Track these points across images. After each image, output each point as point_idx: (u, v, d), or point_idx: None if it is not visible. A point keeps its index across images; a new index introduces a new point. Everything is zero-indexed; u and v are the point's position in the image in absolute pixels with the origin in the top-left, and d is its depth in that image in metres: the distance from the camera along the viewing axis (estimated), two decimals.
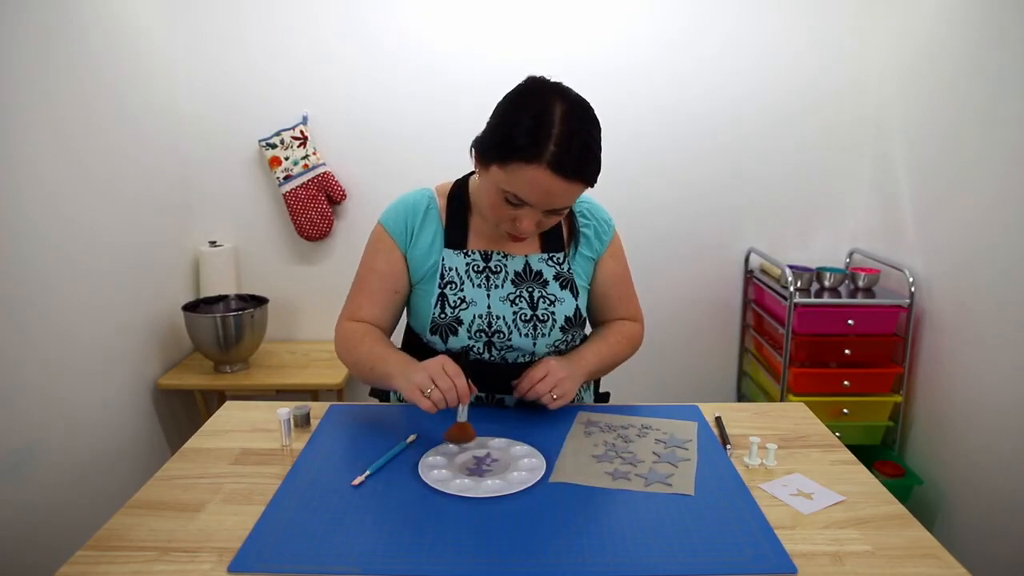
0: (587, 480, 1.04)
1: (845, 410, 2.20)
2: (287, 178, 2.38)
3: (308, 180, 2.39)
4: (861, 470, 1.11)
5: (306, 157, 2.38)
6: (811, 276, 2.30)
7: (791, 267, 2.27)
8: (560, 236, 1.30)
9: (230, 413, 1.30)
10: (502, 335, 1.23)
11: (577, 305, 1.27)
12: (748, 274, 2.58)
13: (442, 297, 1.23)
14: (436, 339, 1.24)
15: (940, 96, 2.10)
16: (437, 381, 1.07)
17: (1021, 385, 1.75)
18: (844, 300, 2.22)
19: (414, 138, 2.42)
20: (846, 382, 2.19)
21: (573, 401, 1.26)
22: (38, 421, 1.67)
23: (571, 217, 1.31)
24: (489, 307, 1.23)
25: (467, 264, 1.25)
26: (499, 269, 1.26)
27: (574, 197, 1.10)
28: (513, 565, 0.84)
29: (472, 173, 1.30)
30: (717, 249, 2.57)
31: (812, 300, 2.22)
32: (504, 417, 1.24)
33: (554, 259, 1.28)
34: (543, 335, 1.25)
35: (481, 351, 1.24)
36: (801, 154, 2.48)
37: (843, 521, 0.96)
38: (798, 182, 2.50)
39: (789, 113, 2.44)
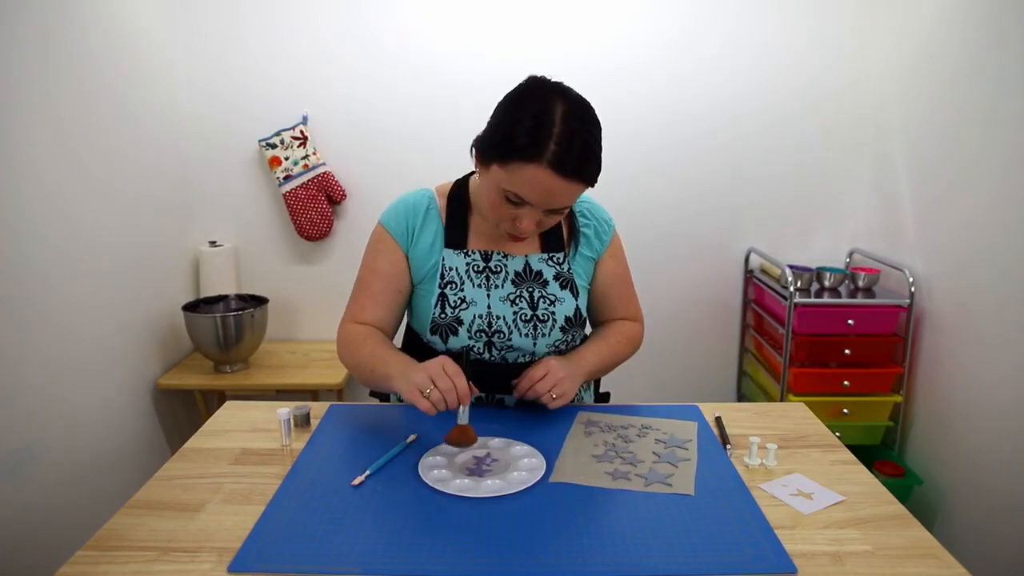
0: (587, 480, 1.04)
1: (845, 410, 2.20)
2: (287, 178, 2.38)
3: (308, 180, 2.39)
4: (861, 470, 1.11)
5: (306, 157, 2.38)
6: (811, 276, 2.30)
7: (791, 267, 2.27)
8: (560, 236, 1.30)
9: (230, 413, 1.29)
10: (502, 335, 1.23)
11: (577, 305, 1.27)
12: (748, 274, 2.58)
13: (442, 297, 1.23)
14: (436, 339, 1.24)
15: (940, 96, 2.10)
16: (437, 382, 1.05)
17: (1021, 385, 1.75)
18: (844, 300, 2.22)
19: (414, 138, 2.42)
20: (846, 382, 2.19)
21: (573, 401, 1.26)
22: (38, 421, 1.67)
23: (571, 217, 1.31)
24: (489, 307, 1.23)
25: (467, 264, 1.25)
26: (499, 269, 1.26)
27: (574, 197, 1.10)
28: (513, 565, 0.84)
29: (472, 173, 1.30)
30: (717, 249, 2.57)
31: (812, 300, 2.22)
32: (504, 417, 1.24)
33: (554, 259, 1.28)
34: (543, 335, 1.25)
35: (481, 351, 1.24)
36: (801, 154, 2.48)
37: (843, 521, 0.96)
38: (798, 182, 2.51)
39: (789, 113, 2.44)
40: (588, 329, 1.41)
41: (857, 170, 2.49)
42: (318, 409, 1.29)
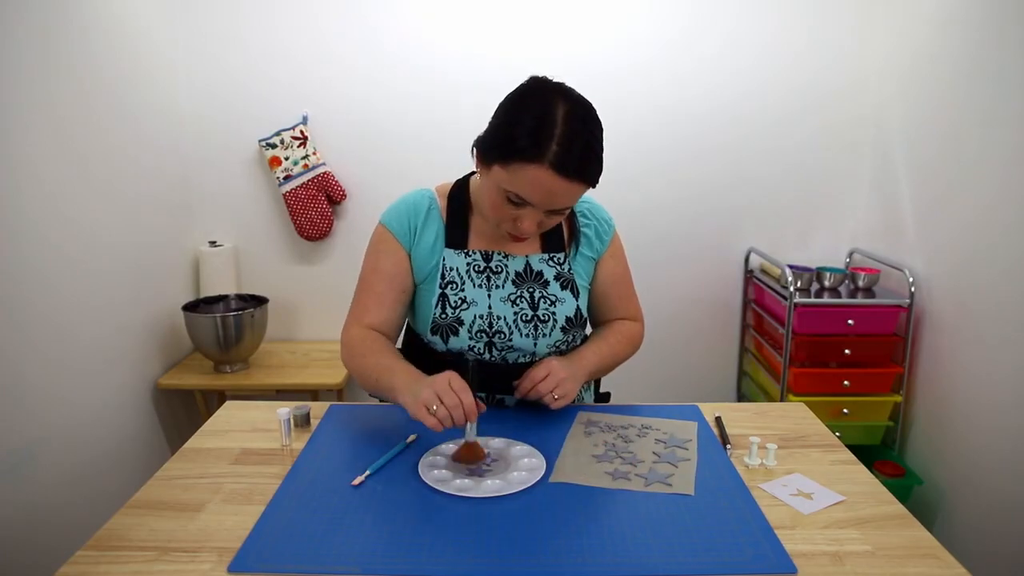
0: (587, 480, 1.04)
1: (845, 410, 2.20)
2: (287, 178, 2.38)
3: (308, 180, 2.39)
4: (861, 470, 1.11)
5: (306, 157, 2.38)
6: (811, 276, 2.30)
7: (791, 267, 2.27)
8: (561, 236, 1.30)
9: (230, 413, 1.30)
10: (503, 335, 1.23)
11: (578, 305, 1.27)
12: (748, 274, 2.58)
13: (443, 297, 1.23)
14: (437, 339, 1.24)
15: (940, 96, 2.10)
16: (443, 398, 1.03)
17: (1021, 385, 1.75)
18: (844, 300, 2.22)
19: (414, 138, 2.42)
20: (846, 382, 2.19)
21: (573, 401, 1.26)
22: (38, 421, 1.67)
23: (572, 217, 1.31)
24: (490, 307, 1.23)
25: (468, 264, 1.25)
26: (500, 269, 1.26)
27: (576, 197, 1.10)
28: (513, 565, 0.84)
29: (472, 173, 1.30)
30: (717, 249, 2.57)
31: (812, 300, 2.22)
32: (504, 417, 1.24)
33: (555, 259, 1.28)
34: (544, 335, 1.25)
35: (482, 351, 1.24)
36: (801, 154, 2.48)
37: (843, 521, 0.96)
38: (798, 182, 2.51)
39: (789, 113, 2.44)
40: (588, 329, 1.41)
41: (857, 170, 2.49)
42: (318, 409, 1.29)
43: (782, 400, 2.22)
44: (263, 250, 2.52)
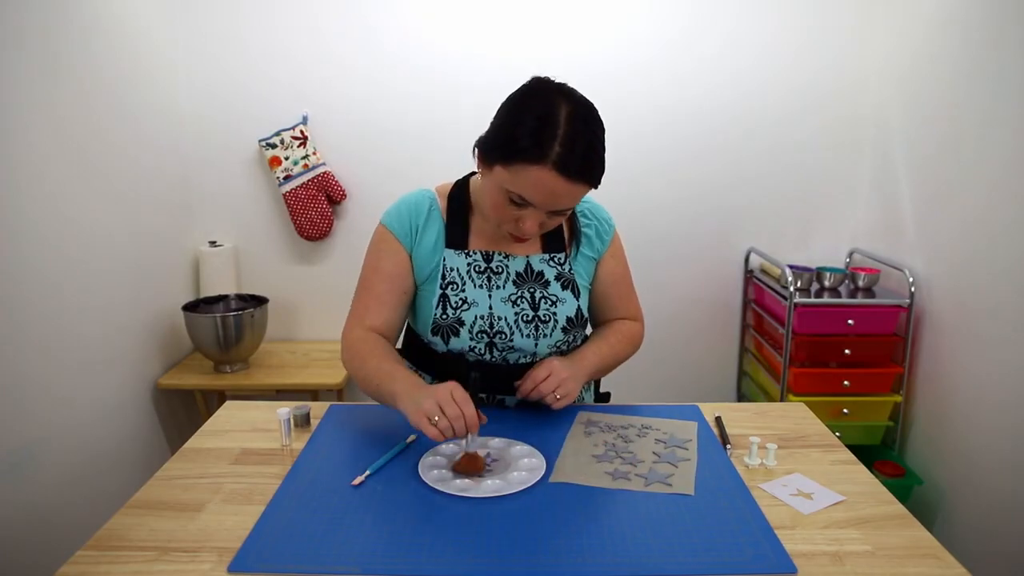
0: (587, 480, 1.04)
1: (845, 410, 2.20)
2: (287, 178, 2.38)
3: (308, 180, 2.39)
4: (861, 470, 1.11)
5: (306, 157, 2.38)
6: (811, 276, 2.30)
7: (791, 267, 2.27)
8: (561, 236, 1.30)
9: (230, 413, 1.30)
10: (504, 336, 1.23)
11: (579, 305, 1.27)
12: (748, 274, 2.58)
13: (443, 298, 1.23)
14: (437, 340, 1.24)
15: (940, 96, 2.10)
16: (445, 409, 1.02)
17: (1021, 385, 1.75)
18: (844, 300, 2.22)
19: (414, 138, 2.42)
20: (846, 382, 2.19)
21: (574, 401, 1.26)
22: (38, 421, 1.67)
23: (572, 217, 1.31)
24: (491, 308, 1.23)
25: (468, 264, 1.25)
26: (500, 270, 1.26)
27: (578, 198, 1.10)
28: (513, 565, 0.84)
29: (472, 173, 1.30)
30: (717, 249, 2.57)
31: (812, 300, 2.22)
32: (504, 417, 1.24)
33: (555, 259, 1.28)
34: (545, 336, 1.25)
35: (483, 352, 1.24)
36: (801, 154, 2.48)
37: (843, 521, 0.96)
38: (798, 182, 2.51)
39: (789, 113, 2.44)
40: (588, 329, 1.41)
41: (857, 170, 2.49)
42: (318, 409, 1.29)
43: (782, 400, 2.22)
44: (263, 250, 2.52)
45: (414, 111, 2.40)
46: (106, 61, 1.97)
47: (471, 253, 1.26)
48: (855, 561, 0.87)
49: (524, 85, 1.10)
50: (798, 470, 1.09)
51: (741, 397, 2.68)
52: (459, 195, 1.28)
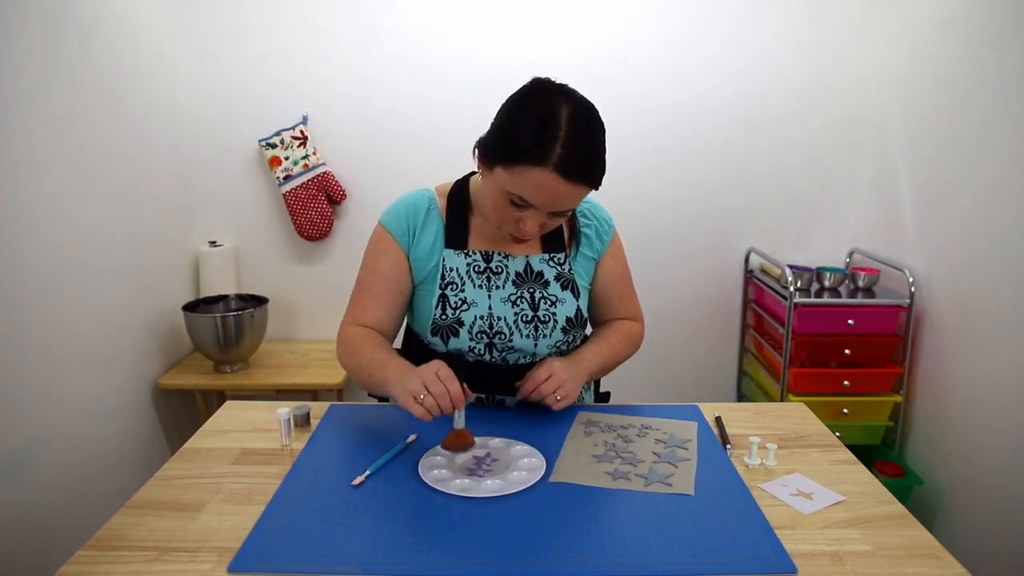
0: (587, 480, 1.04)
1: (845, 410, 2.20)
2: (287, 178, 2.38)
3: (308, 180, 2.39)
4: (861, 470, 1.11)
5: (306, 157, 2.38)
6: (811, 276, 2.30)
7: (791, 267, 2.27)
8: (561, 236, 1.30)
9: (230, 413, 1.29)
10: (503, 336, 1.23)
11: (578, 306, 1.27)
12: (748, 274, 2.58)
13: (443, 298, 1.23)
14: (437, 340, 1.24)
15: (940, 96, 2.10)
16: (430, 387, 1.03)
17: (1021, 385, 1.75)
18: (844, 300, 2.22)
19: (414, 138, 2.42)
20: (846, 382, 2.19)
21: (574, 401, 1.26)
22: (38, 421, 1.67)
23: (572, 217, 1.31)
24: (490, 308, 1.23)
25: (468, 265, 1.25)
26: (500, 270, 1.26)
27: (579, 199, 1.10)
28: (513, 565, 0.84)
29: (472, 173, 1.30)
30: (717, 249, 2.57)
31: (812, 300, 2.22)
32: (504, 417, 1.24)
33: (555, 259, 1.28)
34: (544, 336, 1.24)
35: (482, 352, 1.24)
36: (801, 154, 2.48)
37: (843, 521, 0.96)
38: (798, 182, 2.51)
39: (789, 113, 2.44)
40: (588, 329, 1.41)
41: (857, 170, 2.49)
42: (318, 409, 1.29)
43: (782, 400, 2.22)
44: (263, 250, 2.52)
45: (414, 111, 2.40)
46: (106, 61, 1.97)
47: (471, 253, 1.26)
48: (855, 561, 0.87)
49: (525, 86, 1.10)
50: (798, 470, 1.09)
51: (741, 397, 2.68)
52: (459, 195, 1.28)
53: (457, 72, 2.37)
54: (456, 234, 1.26)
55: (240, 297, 2.37)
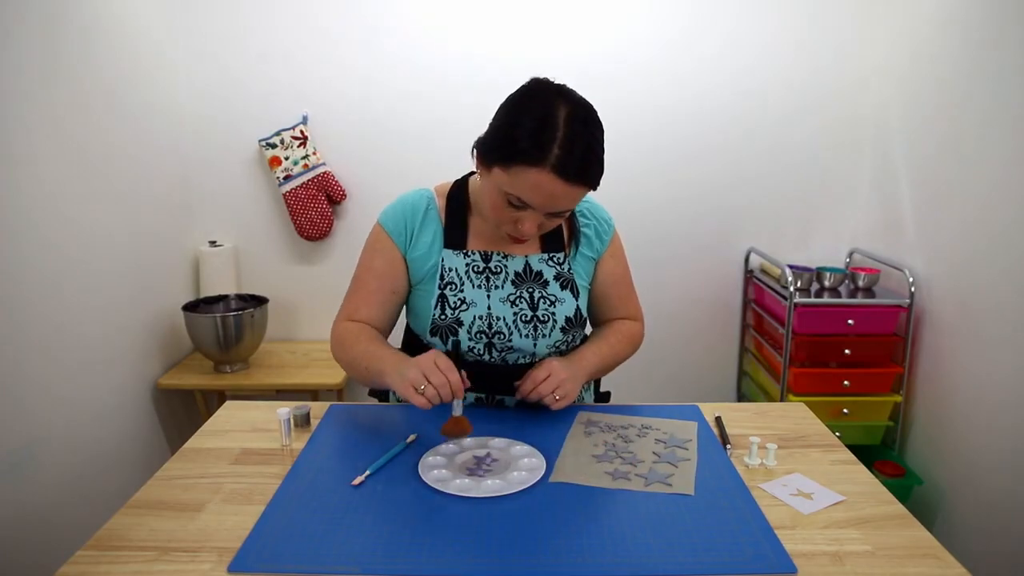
0: (587, 480, 1.04)
1: (845, 410, 2.20)
2: (287, 178, 2.38)
3: (308, 180, 2.39)
4: (861, 470, 1.11)
5: (306, 157, 2.38)
6: (811, 276, 2.30)
7: (791, 267, 2.27)
8: (560, 236, 1.30)
9: (230, 413, 1.30)
10: (502, 336, 1.23)
11: (578, 305, 1.27)
12: (748, 274, 2.58)
13: (442, 298, 1.23)
14: (436, 340, 1.24)
15: (940, 96, 2.10)
16: (430, 377, 1.06)
17: (1021, 385, 1.75)
18: (844, 300, 2.22)
19: (414, 138, 2.42)
20: (846, 382, 2.19)
21: (574, 401, 1.26)
22: (38, 421, 1.67)
23: (571, 217, 1.31)
24: (489, 308, 1.23)
25: (467, 265, 1.25)
26: (499, 270, 1.26)
27: (577, 200, 1.10)
28: (513, 565, 0.84)
29: (471, 173, 1.30)
30: (717, 249, 2.57)
31: (812, 300, 2.22)
32: (504, 417, 1.24)
33: (554, 259, 1.28)
34: (543, 336, 1.24)
35: (481, 352, 1.24)
36: (801, 154, 2.48)
37: (843, 521, 0.96)
38: (798, 182, 2.51)
39: (789, 113, 2.44)
40: (588, 329, 1.41)
41: (857, 170, 2.49)
42: (318, 409, 1.29)
43: (782, 400, 2.22)
44: (263, 250, 2.52)
45: (414, 111, 2.40)
46: (106, 61, 1.97)
47: (470, 253, 1.26)
48: (855, 561, 0.87)
49: (523, 86, 1.10)
50: (798, 470, 1.09)
51: (741, 397, 2.68)
52: (458, 195, 1.28)
53: (457, 72, 2.37)
54: (455, 234, 1.26)
55: (240, 297, 2.37)
